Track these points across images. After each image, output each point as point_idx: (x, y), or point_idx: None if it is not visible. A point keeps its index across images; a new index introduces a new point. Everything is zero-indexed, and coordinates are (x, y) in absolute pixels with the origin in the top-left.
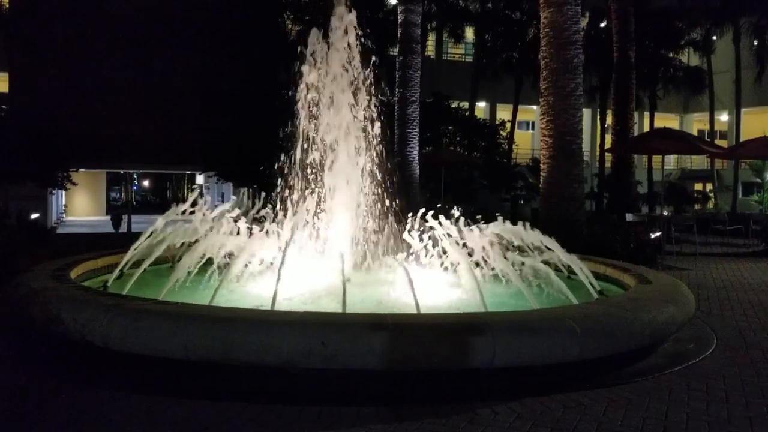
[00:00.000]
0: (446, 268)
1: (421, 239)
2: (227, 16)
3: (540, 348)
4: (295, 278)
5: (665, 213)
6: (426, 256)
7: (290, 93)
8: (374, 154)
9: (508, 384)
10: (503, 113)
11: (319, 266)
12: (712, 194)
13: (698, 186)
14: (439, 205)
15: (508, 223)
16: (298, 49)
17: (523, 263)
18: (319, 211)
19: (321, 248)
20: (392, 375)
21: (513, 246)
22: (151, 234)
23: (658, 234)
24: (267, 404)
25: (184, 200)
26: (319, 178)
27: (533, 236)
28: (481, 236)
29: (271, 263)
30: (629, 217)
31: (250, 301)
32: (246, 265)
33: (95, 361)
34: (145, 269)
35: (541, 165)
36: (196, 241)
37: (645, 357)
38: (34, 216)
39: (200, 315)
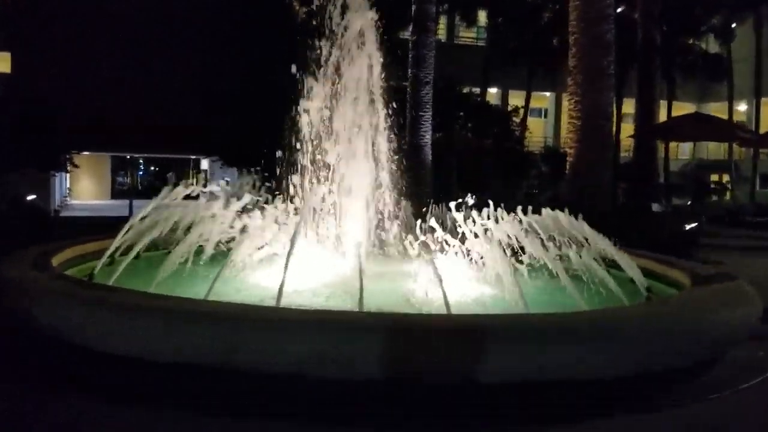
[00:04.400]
0: (471, 259)
1: (444, 228)
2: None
3: (589, 359)
4: (302, 269)
5: (689, 203)
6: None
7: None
8: (388, 137)
9: (549, 402)
10: (515, 100)
11: (329, 256)
12: (729, 185)
13: (714, 177)
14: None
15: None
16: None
17: (560, 257)
18: (329, 193)
19: (332, 235)
20: (414, 385)
21: (551, 236)
22: (141, 218)
23: (693, 225)
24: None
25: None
26: (329, 160)
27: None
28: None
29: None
30: (655, 207)
31: (252, 293)
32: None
33: (72, 364)
34: (138, 256)
35: (567, 149)
36: (192, 225)
37: (710, 368)
38: (30, 198)
39: (194, 311)
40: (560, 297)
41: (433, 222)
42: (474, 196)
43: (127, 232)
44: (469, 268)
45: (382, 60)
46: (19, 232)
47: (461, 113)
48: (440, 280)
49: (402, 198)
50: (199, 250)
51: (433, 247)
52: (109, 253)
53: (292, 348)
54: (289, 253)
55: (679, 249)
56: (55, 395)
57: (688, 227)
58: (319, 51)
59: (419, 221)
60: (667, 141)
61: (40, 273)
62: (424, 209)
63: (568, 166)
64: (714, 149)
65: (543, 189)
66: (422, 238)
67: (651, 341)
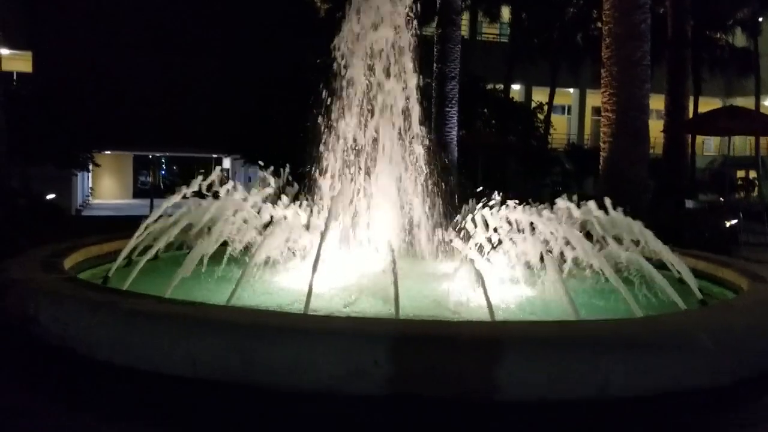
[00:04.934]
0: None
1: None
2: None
3: (674, 370)
4: (331, 270)
5: (720, 200)
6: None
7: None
8: (417, 134)
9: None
10: (538, 96)
11: (358, 256)
12: (756, 181)
13: (740, 173)
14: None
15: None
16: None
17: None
18: (357, 192)
19: (360, 235)
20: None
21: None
22: (159, 218)
23: (734, 222)
24: None
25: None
26: (357, 155)
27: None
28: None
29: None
30: (689, 204)
31: (277, 298)
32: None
33: (78, 375)
34: (157, 256)
35: (601, 144)
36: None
37: None
38: (49, 197)
39: (210, 319)
40: (608, 301)
41: (468, 219)
42: (500, 194)
43: (143, 231)
44: (509, 268)
45: (411, 54)
46: (37, 231)
47: (485, 110)
48: (482, 281)
49: (431, 196)
50: (222, 251)
51: (468, 245)
52: (124, 254)
53: (291, 358)
54: (318, 254)
55: (719, 247)
56: (57, 409)
57: (728, 224)
58: (344, 46)
59: (451, 219)
60: (701, 135)
61: (46, 275)
62: (453, 207)
63: (601, 162)
64: (740, 145)
65: (567, 187)
66: (455, 236)
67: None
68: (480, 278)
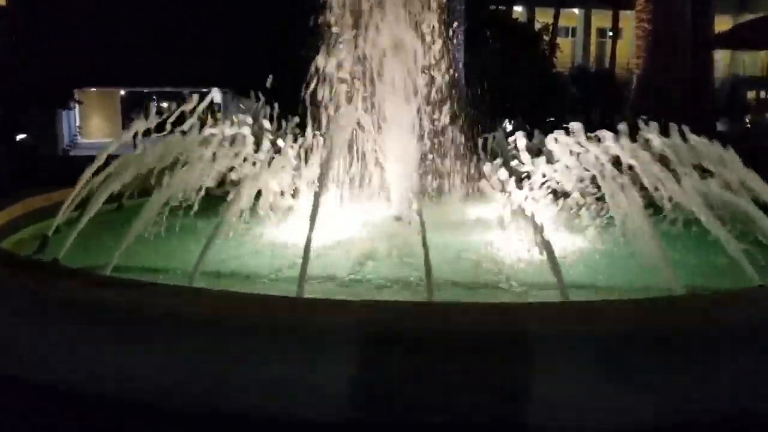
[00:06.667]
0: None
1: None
2: None
3: None
4: (332, 222)
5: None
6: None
7: None
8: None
9: None
10: (541, 18)
11: (367, 202)
12: None
13: (750, 94)
14: None
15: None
16: None
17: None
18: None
19: (365, 172)
20: None
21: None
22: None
23: None
24: None
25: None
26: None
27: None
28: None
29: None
30: (720, 128)
31: (261, 262)
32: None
33: None
34: (120, 206)
35: (635, 59)
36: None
37: None
38: (20, 137)
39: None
40: (702, 254)
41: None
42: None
43: (93, 177)
44: (564, 212)
45: None
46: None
47: (488, 33)
48: (540, 232)
49: (445, 126)
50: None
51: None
52: (67, 206)
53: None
54: (315, 203)
55: None
56: None
57: None
58: None
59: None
60: (737, 49)
61: None
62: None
63: (635, 81)
64: (750, 64)
65: (573, 113)
66: (489, 172)
67: None
68: (535, 227)
